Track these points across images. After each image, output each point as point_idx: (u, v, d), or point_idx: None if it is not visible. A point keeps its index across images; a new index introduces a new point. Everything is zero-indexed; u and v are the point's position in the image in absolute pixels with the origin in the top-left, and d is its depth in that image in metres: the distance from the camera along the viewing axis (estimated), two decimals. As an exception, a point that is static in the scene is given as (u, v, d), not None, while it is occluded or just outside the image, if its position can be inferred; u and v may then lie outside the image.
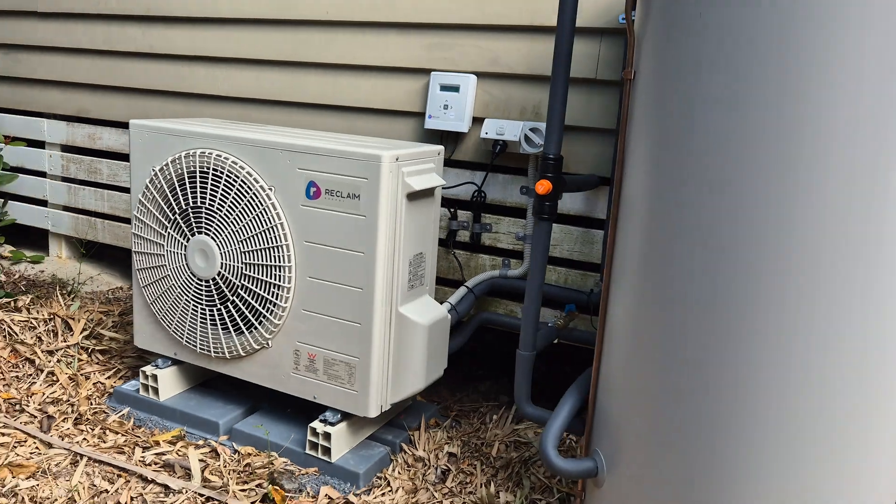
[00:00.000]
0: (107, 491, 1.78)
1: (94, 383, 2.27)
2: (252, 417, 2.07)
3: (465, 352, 2.44)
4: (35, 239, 3.33)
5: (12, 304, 2.57)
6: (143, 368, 2.14)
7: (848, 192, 1.14)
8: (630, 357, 1.43)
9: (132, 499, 1.76)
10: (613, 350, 1.49)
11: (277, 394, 2.02)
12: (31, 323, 2.47)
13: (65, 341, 2.41)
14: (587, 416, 1.60)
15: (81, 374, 2.29)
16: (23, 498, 1.71)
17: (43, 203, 3.19)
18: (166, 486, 1.79)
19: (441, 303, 2.07)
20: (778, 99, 1.15)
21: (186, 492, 1.77)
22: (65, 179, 3.12)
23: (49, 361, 2.32)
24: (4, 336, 2.40)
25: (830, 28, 1.10)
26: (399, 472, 1.92)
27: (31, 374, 2.27)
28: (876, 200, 1.15)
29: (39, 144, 3.16)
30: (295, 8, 2.39)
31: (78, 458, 1.89)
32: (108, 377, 2.30)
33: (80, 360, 2.36)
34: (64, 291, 2.81)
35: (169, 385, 2.15)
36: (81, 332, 2.46)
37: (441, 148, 1.96)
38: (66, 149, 3.10)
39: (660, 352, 1.35)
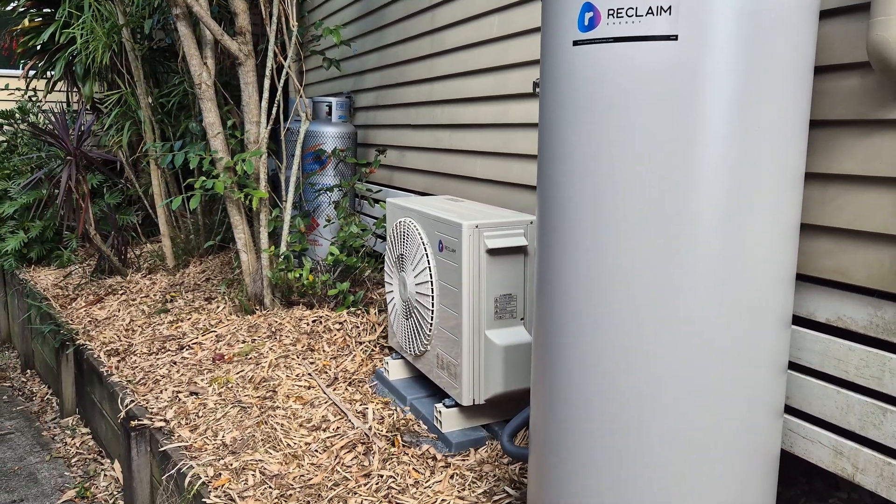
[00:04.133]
0: (328, 420, 2.99)
1: (373, 365, 3.54)
2: (428, 398, 3.04)
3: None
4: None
5: (357, 311, 4.08)
6: (385, 358, 3.31)
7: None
8: (534, 376, 1.96)
9: (337, 428, 2.93)
10: (533, 371, 2.02)
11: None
12: (357, 323, 3.91)
13: (369, 337, 3.77)
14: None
15: (369, 358, 3.60)
16: (286, 412, 3.05)
17: (410, 250, 4.71)
18: (352, 423, 2.92)
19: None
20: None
21: (358, 427, 2.86)
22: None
23: (357, 348, 3.70)
24: (343, 330, 3.89)
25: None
26: (484, 451, 2.64)
27: (345, 354, 3.68)
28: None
29: (411, 211, 4.69)
30: (506, 116, 3.31)
31: (329, 400, 3.16)
32: (382, 362, 3.55)
33: (372, 350, 3.68)
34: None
35: (395, 371, 3.27)
36: (380, 333, 3.79)
37: (533, 218, 2.64)
38: (421, 214, 4.56)
39: (537, 371, 1.88)
